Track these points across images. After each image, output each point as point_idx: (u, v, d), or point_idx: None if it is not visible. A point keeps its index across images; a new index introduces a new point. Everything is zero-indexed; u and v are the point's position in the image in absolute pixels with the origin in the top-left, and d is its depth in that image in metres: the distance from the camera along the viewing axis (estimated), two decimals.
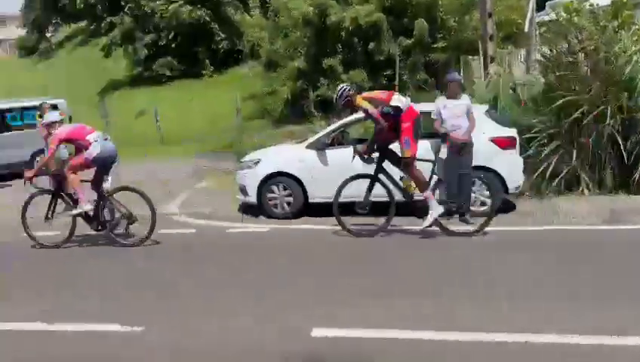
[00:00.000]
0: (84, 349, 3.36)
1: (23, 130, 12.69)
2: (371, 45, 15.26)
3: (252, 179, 7.00)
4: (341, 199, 5.69)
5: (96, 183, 6.04)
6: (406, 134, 5.30)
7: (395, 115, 5.37)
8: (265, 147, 11.83)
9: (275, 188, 6.91)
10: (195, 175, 10.81)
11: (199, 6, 18.21)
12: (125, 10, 17.64)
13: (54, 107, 12.73)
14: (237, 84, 18.73)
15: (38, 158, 12.72)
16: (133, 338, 3.44)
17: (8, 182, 11.79)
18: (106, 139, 6.23)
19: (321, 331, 3.26)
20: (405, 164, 5.40)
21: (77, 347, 3.41)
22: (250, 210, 7.23)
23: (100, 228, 5.97)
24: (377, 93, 5.81)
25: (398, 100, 5.45)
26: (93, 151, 5.84)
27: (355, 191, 5.66)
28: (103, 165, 5.98)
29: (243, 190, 7.18)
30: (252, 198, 7.02)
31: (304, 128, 14.89)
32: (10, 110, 12.76)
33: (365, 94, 5.84)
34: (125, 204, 5.85)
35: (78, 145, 6.00)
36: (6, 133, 12.34)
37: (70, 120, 12.83)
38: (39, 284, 4.91)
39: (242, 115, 16.63)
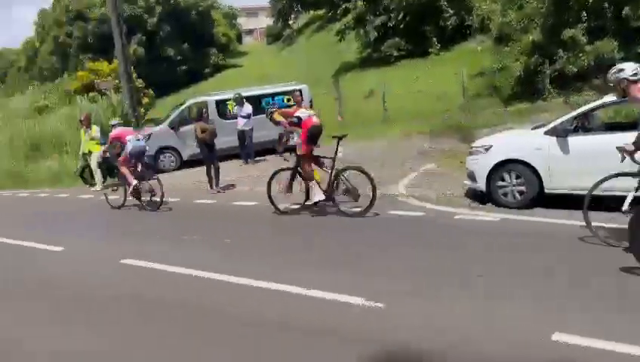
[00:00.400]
0: (326, 317, 3.88)
1: None
2: (626, 10, 13.19)
3: (482, 165, 6.88)
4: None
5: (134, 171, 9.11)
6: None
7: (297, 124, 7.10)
8: (492, 126, 11.43)
9: (506, 176, 6.67)
10: (421, 156, 10.98)
11: None
12: None
13: (299, 92, 14.44)
14: (464, 61, 18.25)
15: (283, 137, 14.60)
16: (374, 312, 3.83)
17: (263, 157, 13.84)
18: (138, 140, 9.36)
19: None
20: None
21: (322, 314, 3.95)
22: (478, 197, 7.16)
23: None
24: (289, 110, 7.89)
25: (300, 113, 7.27)
26: (127, 148, 9.07)
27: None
28: (136, 157, 9.22)
29: (471, 176, 7.12)
30: (481, 185, 6.91)
31: (536, 107, 13.87)
32: (264, 95, 14.79)
33: (280, 110, 8.06)
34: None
35: (122, 143, 9.22)
36: (262, 115, 14.39)
37: (311, 104, 14.36)
38: (289, 250, 5.76)
39: (469, 93, 16.21)
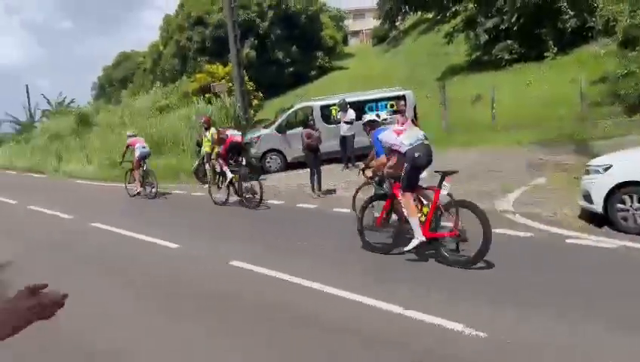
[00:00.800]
0: (422, 339, 3.87)
1: None
2: None
3: (599, 186, 6.39)
4: None
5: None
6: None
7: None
8: (613, 138, 10.54)
9: (627, 199, 6.16)
10: (531, 168, 10.40)
11: None
12: None
13: (403, 98, 14.37)
14: (583, 66, 16.95)
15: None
16: (474, 341, 3.76)
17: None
18: (144, 147, 13.03)
19: None
20: None
21: (420, 336, 3.95)
22: (594, 219, 6.66)
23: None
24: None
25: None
26: (135, 154, 12.71)
27: None
28: (142, 159, 12.77)
29: (587, 196, 6.64)
30: (597, 207, 6.42)
31: None
32: (368, 101, 14.88)
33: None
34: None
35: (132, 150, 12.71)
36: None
37: (415, 109, 14.21)
38: (390, 267, 5.79)
39: (588, 101, 15.05)
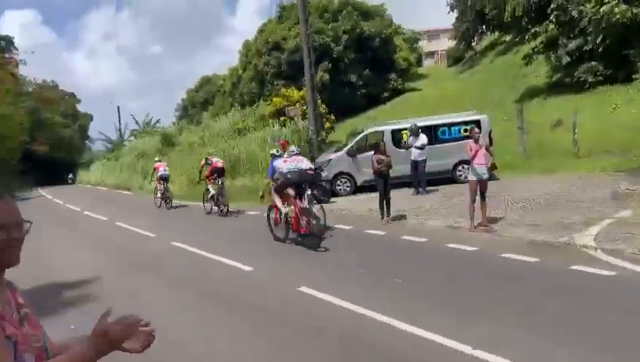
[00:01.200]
0: None
1: (449, 142, 14.53)
2: None
3: None
4: None
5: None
6: None
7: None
8: None
9: None
10: (616, 199, 9.79)
11: (638, 4, 16.10)
12: (551, 18, 17.39)
13: (477, 123, 14.09)
14: None
15: (460, 168, 14.37)
16: None
17: (435, 187, 13.77)
18: (165, 170, 17.24)
19: None
20: None
21: None
22: None
23: None
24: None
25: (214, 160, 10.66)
26: (157, 174, 17.13)
27: None
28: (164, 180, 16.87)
29: None
30: None
31: None
32: (440, 126, 14.73)
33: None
34: None
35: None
36: (436, 145, 14.39)
37: (490, 135, 13.87)
38: (461, 300, 5.69)
39: None
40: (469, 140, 9.41)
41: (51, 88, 60.29)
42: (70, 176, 49.15)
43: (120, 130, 54.17)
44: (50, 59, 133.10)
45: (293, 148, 10.44)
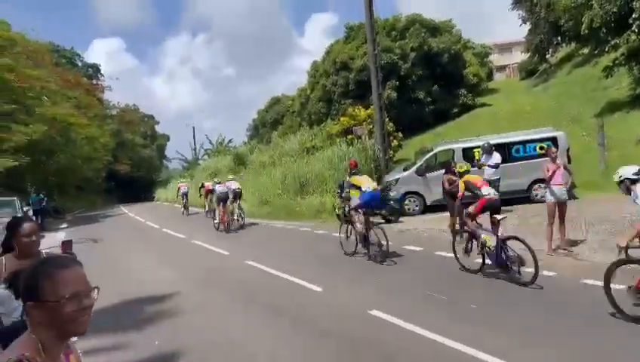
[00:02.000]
0: None
1: (523, 160, 14.03)
2: None
3: None
4: None
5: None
6: None
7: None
8: None
9: None
10: None
11: None
12: (633, 28, 16.44)
13: (554, 140, 13.54)
14: None
15: (535, 187, 13.81)
16: None
17: (509, 207, 13.31)
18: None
19: None
20: None
21: None
22: None
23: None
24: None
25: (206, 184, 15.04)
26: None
27: None
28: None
29: None
30: None
31: None
32: (514, 143, 14.27)
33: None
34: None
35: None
36: (510, 164, 13.94)
37: (568, 152, 13.28)
38: (536, 328, 5.48)
39: None
40: (546, 160, 9.09)
41: (132, 111, 64.36)
42: (154, 195, 52.01)
43: (195, 150, 56.73)
44: (133, 84, 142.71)
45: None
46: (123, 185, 57.21)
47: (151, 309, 7.63)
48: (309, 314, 6.71)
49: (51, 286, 1.54)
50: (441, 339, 5.22)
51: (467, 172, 8.57)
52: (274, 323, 6.55)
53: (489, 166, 13.17)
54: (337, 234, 11.25)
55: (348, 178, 13.80)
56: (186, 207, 24.33)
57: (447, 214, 13.36)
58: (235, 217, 16.56)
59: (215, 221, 16.97)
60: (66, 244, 3.28)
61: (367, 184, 9.65)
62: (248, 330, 6.24)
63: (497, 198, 7.83)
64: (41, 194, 23.81)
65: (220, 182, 18.14)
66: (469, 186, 8.06)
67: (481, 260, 7.92)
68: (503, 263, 7.33)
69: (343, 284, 8.22)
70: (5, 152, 23.15)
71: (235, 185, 17.01)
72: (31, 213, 21.06)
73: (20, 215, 18.20)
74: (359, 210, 9.74)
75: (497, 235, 7.43)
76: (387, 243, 9.26)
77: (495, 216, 7.54)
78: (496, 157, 13.14)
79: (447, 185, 10.30)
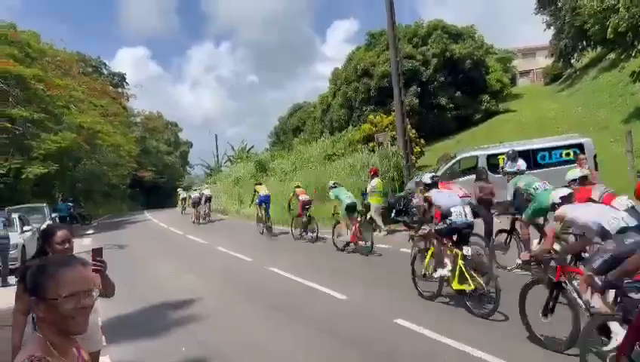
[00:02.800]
0: None
1: (549, 167, 13.81)
2: None
3: None
4: None
5: None
6: None
7: None
8: None
9: None
10: None
11: None
12: None
13: (580, 147, 13.32)
14: None
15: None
16: None
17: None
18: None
19: None
20: None
21: None
22: None
23: None
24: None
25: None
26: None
27: None
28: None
29: None
30: None
31: None
32: (539, 150, 14.05)
33: None
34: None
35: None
36: (535, 171, 13.70)
37: (595, 158, 13.04)
38: None
39: None
40: (570, 167, 8.98)
41: (156, 118, 65.38)
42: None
43: (217, 157, 57.30)
44: (158, 92, 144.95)
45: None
46: (147, 192, 58.05)
47: (177, 315, 7.72)
48: (332, 322, 6.68)
49: (51, 283, 1.57)
50: (470, 350, 5.16)
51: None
52: (292, 328, 6.54)
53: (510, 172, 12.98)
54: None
55: (372, 183, 13.89)
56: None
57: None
58: (202, 213, 23.22)
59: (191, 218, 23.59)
60: (97, 252, 3.33)
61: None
62: (267, 336, 6.26)
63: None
64: (69, 201, 24.31)
65: (196, 190, 25.53)
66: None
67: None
68: None
69: (366, 292, 8.16)
70: (35, 159, 23.75)
71: (207, 192, 24.13)
72: (58, 219, 21.55)
73: (48, 220, 18.66)
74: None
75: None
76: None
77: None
78: (522, 165, 12.93)
79: (478, 192, 10.15)
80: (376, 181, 14.07)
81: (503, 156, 13.95)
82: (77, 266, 1.63)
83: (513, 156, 13.17)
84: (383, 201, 14.41)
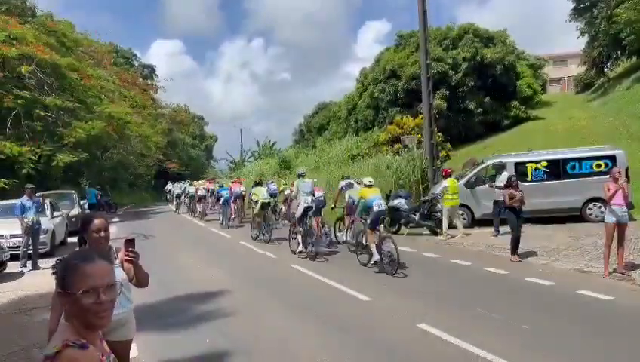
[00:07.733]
0: None
1: (579, 178, 13.60)
2: None
3: None
4: None
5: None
6: None
7: None
8: None
9: None
10: None
11: None
12: None
13: (612, 158, 13.08)
14: None
15: (591, 206, 13.35)
16: None
17: (560, 225, 12.91)
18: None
19: None
20: None
21: None
22: None
23: None
24: None
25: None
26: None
27: None
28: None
29: None
30: None
31: None
32: (569, 160, 13.84)
33: None
34: None
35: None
36: (563, 181, 13.54)
37: (627, 172, 12.78)
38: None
39: None
40: (607, 178, 8.83)
41: (183, 111, 66.14)
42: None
43: (242, 152, 57.81)
44: (189, 85, 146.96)
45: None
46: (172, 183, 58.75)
47: (200, 307, 7.84)
48: (355, 323, 6.69)
49: (73, 277, 1.60)
50: (491, 357, 5.13)
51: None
52: (316, 328, 6.57)
53: (497, 187, 12.77)
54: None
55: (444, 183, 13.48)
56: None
57: (492, 229, 13.18)
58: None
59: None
60: (129, 243, 3.40)
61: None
62: (292, 335, 6.32)
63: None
64: (96, 189, 24.77)
65: (191, 184, 26.87)
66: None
67: None
68: None
69: (390, 296, 8.13)
70: (65, 146, 24.27)
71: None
72: (86, 206, 22.02)
73: (77, 207, 19.08)
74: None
75: None
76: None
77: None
78: (504, 178, 12.40)
79: (508, 199, 10.08)
80: (448, 181, 13.27)
81: (532, 164, 13.83)
82: (99, 261, 1.64)
83: (500, 168, 13.27)
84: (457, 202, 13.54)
